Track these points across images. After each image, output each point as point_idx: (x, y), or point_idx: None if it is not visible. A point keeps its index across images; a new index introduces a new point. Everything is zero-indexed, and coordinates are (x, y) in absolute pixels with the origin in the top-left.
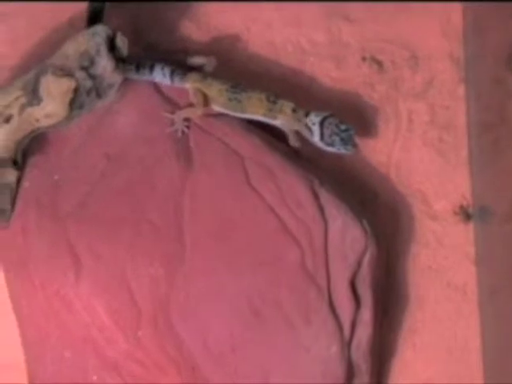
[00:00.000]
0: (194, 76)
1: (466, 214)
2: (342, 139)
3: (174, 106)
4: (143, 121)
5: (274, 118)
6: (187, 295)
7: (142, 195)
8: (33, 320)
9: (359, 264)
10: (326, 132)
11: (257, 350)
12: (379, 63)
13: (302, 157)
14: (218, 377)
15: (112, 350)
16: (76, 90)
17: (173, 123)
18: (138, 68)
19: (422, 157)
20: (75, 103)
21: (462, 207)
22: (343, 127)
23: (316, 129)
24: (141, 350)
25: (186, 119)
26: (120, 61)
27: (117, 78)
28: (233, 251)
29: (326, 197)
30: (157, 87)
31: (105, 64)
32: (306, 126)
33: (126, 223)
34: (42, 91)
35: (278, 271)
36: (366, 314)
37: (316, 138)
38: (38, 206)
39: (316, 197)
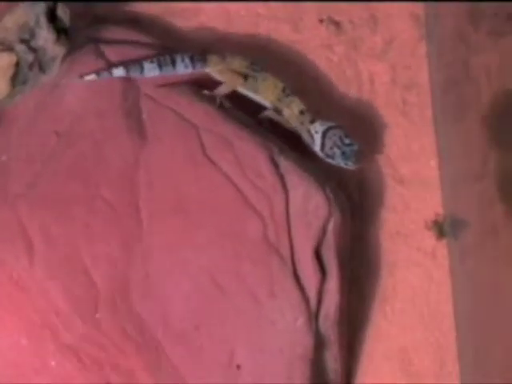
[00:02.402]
0: (213, 59)
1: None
2: (343, 153)
3: (125, 78)
4: (92, 95)
5: (280, 110)
6: (146, 273)
7: (95, 172)
8: None
9: (323, 232)
10: (328, 143)
11: (221, 326)
12: (337, 24)
13: (261, 124)
14: (181, 356)
15: (70, 334)
16: (17, 65)
17: (215, 100)
18: (160, 66)
19: (386, 118)
20: (17, 78)
21: (429, 168)
22: (347, 141)
23: (318, 138)
24: (100, 333)
25: (226, 96)
26: (62, 32)
27: (59, 51)
28: (191, 225)
29: (285, 165)
30: (106, 59)
31: (46, 36)
32: (309, 132)
33: (79, 202)
34: None
35: (239, 244)
36: (333, 284)
37: (316, 148)
38: None
39: (275, 165)
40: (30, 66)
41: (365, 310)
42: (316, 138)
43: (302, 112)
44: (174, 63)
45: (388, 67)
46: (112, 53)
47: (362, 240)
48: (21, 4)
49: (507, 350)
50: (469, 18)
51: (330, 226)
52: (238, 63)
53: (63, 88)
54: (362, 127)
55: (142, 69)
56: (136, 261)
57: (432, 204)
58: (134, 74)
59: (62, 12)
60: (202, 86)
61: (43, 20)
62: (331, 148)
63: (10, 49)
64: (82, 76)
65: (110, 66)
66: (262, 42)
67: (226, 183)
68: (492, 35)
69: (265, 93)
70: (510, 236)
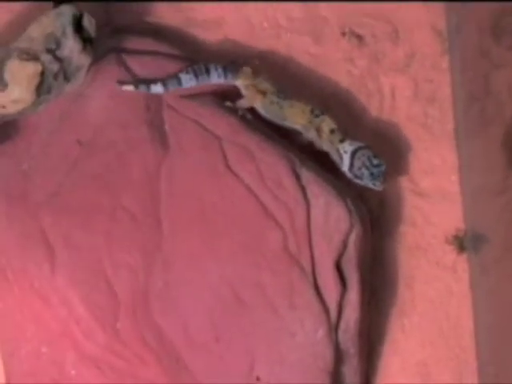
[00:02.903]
0: (246, 73)
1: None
2: (371, 174)
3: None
4: (115, 105)
5: (312, 134)
6: (166, 284)
7: (117, 182)
8: (8, 315)
9: (344, 244)
10: (357, 164)
11: (241, 337)
12: (359, 37)
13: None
14: (201, 367)
15: (90, 343)
16: (42, 74)
17: (237, 112)
18: (196, 76)
19: (407, 132)
20: (42, 88)
21: (449, 182)
22: (375, 162)
23: (347, 158)
24: (120, 343)
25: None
26: (88, 42)
27: (85, 60)
28: (212, 236)
29: (307, 176)
30: (128, 69)
31: (71, 46)
32: (338, 151)
33: (101, 211)
34: (8, 76)
35: (259, 255)
36: (353, 296)
37: (345, 168)
38: (7, 197)
39: (297, 177)
40: (55, 76)
41: (383, 323)
42: (345, 158)
43: (332, 131)
44: (208, 72)
45: (410, 81)
46: (134, 63)
47: (382, 253)
48: (47, 13)
49: None
50: (491, 32)
51: (352, 239)
52: (266, 86)
53: (87, 98)
54: (383, 141)
55: (179, 81)
56: (157, 271)
57: (453, 218)
58: (173, 87)
59: (88, 22)
60: (224, 98)
61: (69, 30)
62: (359, 168)
63: (35, 58)
64: (120, 83)
65: (149, 81)
66: (284, 54)
67: (247, 194)
68: None
69: (294, 119)
70: None
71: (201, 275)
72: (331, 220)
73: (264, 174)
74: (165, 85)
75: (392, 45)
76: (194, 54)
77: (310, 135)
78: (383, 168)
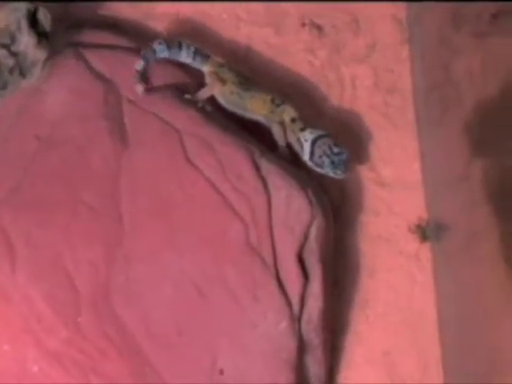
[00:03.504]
0: (214, 62)
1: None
2: (332, 162)
3: (106, 83)
4: (74, 99)
5: (272, 122)
6: (128, 278)
7: (77, 176)
8: None
9: (306, 236)
10: (317, 152)
11: (203, 330)
12: (319, 28)
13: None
14: (163, 361)
15: (52, 338)
16: None
17: (196, 104)
18: (169, 48)
19: (368, 122)
20: None
21: (411, 171)
22: (336, 150)
23: (307, 146)
24: (81, 337)
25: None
26: (43, 36)
27: (40, 55)
28: (173, 230)
29: (267, 167)
30: (86, 63)
31: (26, 40)
32: (299, 140)
33: (61, 207)
34: None
35: (221, 248)
36: (316, 287)
37: (306, 157)
38: None
39: (257, 168)
40: (11, 71)
41: (346, 314)
42: (305, 146)
43: (293, 120)
44: (180, 48)
45: (370, 71)
46: (93, 57)
47: (344, 244)
48: (1, 8)
49: (491, 352)
50: (451, 20)
51: (313, 230)
52: (228, 76)
53: (44, 92)
54: (344, 131)
55: (154, 51)
56: (118, 265)
57: (415, 207)
58: (151, 58)
59: (43, 16)
60: (183, 91)
61: (24, 24)
62: (320, 157)
63: None
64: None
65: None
66: (244, 45)
67: (208, 187)
68: (474, 37)
69: (255, 109)
70: (493, 238)
71: (162, 269)
72: (292, 211)
73: (224, 165)
74: (144, 58)
75: (352, 35)
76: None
77: (274, 129)
78: (344, 156)
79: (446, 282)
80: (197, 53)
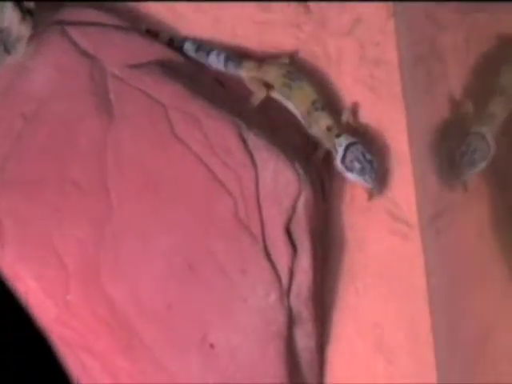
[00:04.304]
0: (248, 65)
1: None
2: (362, 168)
3: (91, 59)
4: (59, 76)
5: (309, 125)
6: (117, 254)
7: (64, 153)
8: None
9: (294, 208)
10: (349, 156)
11: (193, 305)
12: (305, 5)
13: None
14: (154, 336)
15: (41, 317)
16: None
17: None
18: (197, 50)
19: (355, 95)
20: None
21: (398, 143)
22: (368, 157)
23: (340, 151)
24: (71, 315)
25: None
26: (28, 13)
27: (25, 31)
28: (161, 205)
29: (254, 141)
30: (72, 41)
31: (11, 16)
32: (334, 146)
33: (48, 184)
34: None
35: (209, 222)
36: (304, 260)
37: (337, 160)
38: None
39: (244, 142)
40: None
41: (335, 287)
42: (339, 150)
43: (329, 128)
44: (208, 54)
45: (356, 44)
46: (78, 34)
47: (331, 216)
48: None
49: (481, 319)
50: None
51: (301, 202)
52: (274, 72)
53: (30, 70)
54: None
55: (182, 44)
56: (106, 242)
57: (403, 180)
58: (177, 44)
59: None
60: (169, 66)
61: (8, 1)
62: (351, 161)
63: None
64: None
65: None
66: (230, 22)
67: (195, 161)
68: (459, 12)
69: (296, 102)
70: (480, 208)
71: (151, 244)
72: (280, 184)
73: (211, 140)
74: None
75: (338, 10)
76: (137, 24)
77: (311, 131)
78: (375, 165)
79: (434, 252)
80: (228, 59)
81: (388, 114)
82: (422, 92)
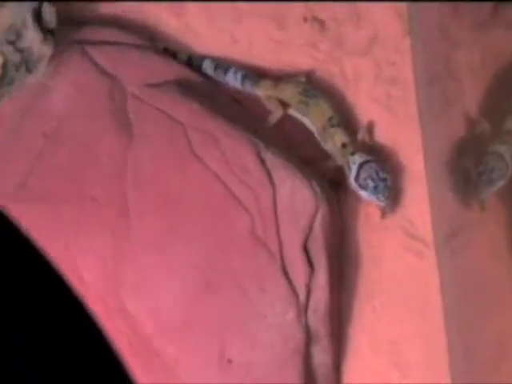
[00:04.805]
0: (265, 83)
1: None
2: (375, 186)
3: (111, 79)
4: (79, 96)
5: (325, 141)
6: (135, 270)
7: (83, 172)
8: None
9: (311, 226)
10: (362, 174)
11: (212, 320)
12: (321, 22)
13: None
14: (173, 352)
15: None
16: (4, 66)
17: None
18: (215, 68)
19: (371, 114)
20: (5, 79)
21: (414, 163)
22: (382, 175)
23: (354, 169)
24: None
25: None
26: (48, 32)
27: (46, 51)
28: (180, 223)
29: (272, 159)
30: (91, 60)
31: (32, 36)
32: (348, 164)
33: (68, 201)
34: None
35: (227, 240)
36: (321, 278)
37: (351, 178)
38: None
39: (262, 160)
40: (17, 67)
41: (352, 304)
42: (353, 168)
43: (344, 145)
44: (225, 72)
45: (372, 63)
46: (97, 53)
47: (347, 234)
48: (6, 5)
49: (497, 336)
50: (451, 12)
51: (318, 220)
52: (291, 90)
53: (50, 89)
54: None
55: (201, 62)
56: (125, 258)
57: (418, 198)
58: (196, 63)
59: (48, 12)
60: (187, 85)
61: (29, 20)
62: (365, 179)
63: None
64: None
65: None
66: (246, 40)
67: (213, 180)
68: (475, 29)
69: (313, 118)
70: (496, 228)
71: (169, 261)
72: (297, 202)
73: (229, 158)
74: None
75: (354, 28)
76: (155, 43)
77: (326, 146)
78: (389, 183)
79: (449, 270)
80: (246, 77)
81: (403, 132)
82: (438, 111)
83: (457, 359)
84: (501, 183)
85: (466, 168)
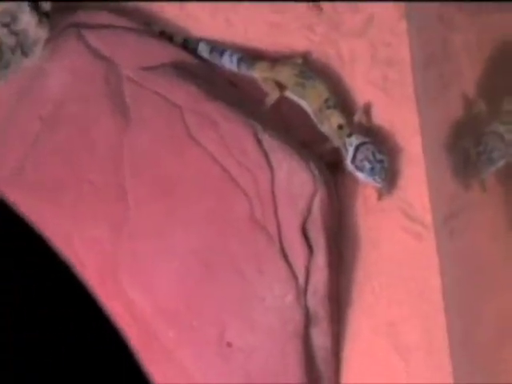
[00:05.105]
0: (261, 66)
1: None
2: (372, 168)
3: (107, 62)
4: (75, 79)
5: (321, 122)
6: (134, 255)
7: (81, 156)
8: None
9: (309, 208)
10: (359, 156)
11: (211, 304)
12: (318, 6)
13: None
14: (172, 334)
15: None
16: None
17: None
18: (211, 51)
19: (367, 96)
20: (0, 62)
21: (411, 144)
22: (378, 157)
23: (351, 150)
24: None
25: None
26: (44, 15)
27: (42, 34)
28: (178, 206)
29: (269, 142)
30: (87, 43)
31: (28, 19)
32: (345, 145)
33: (66, 185)
34: None
35: (226, 222)
36: (320, 259)
37: (348, 160)
38: None
39: (259, 143)
40: (13, 50)
41: (351, 286)
42: (349, 150)
43: (340, 126)
44: (221, 55)
45: (368, 45)
46: (93, 37)
47: (346, 216)
48: None
49: (497, 318)
50: None
51: (316, 202)
52: (287, 72)
53: (46, 73)
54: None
55: (196, 45)
56: (124, 242)
57: (416, 181)
58: (192, 46)
59: None
60: (183, 68)
61: (24, 3)
62: (361, 161)
63: None
64: None
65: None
66: (242, 24)
67: (211, 163)
68: (470, 12)
69: (309, 100)
70: (494, 207)
71: (168, 244)
72: (295, 184)
73: (227, 140)
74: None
75: (350, 11)
76: (151, 27)
77: (323, 128)
78: (385, 164)
79: (448, 251)
80: (241, 60)
81: (400, 114)
82: (435, 92)
83: (456, 341)
84: (501, 163)
85: (464, 148)
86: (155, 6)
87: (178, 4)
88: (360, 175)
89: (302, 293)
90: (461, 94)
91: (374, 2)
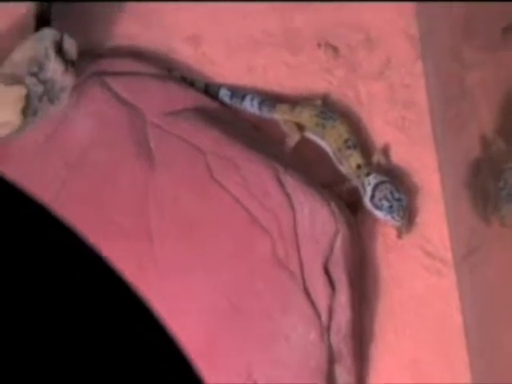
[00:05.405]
0: (282, 107)
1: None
2: (390, 206)
3: (131, 108)
4: (100, 126)
5: (340, 162)
6: (162, 294)
7: (106, 199)
8: None
9: (331, 247)
10: (378, 195)
11: (237, 343)
12: (334, 48)
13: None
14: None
15: None
16: (27, 97)
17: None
18: (231, 97)
19: (386, 137)
20: (28, 110)
21: (430, 183)
22: (396, 195)
23: (369, 189)
24: None
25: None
26: (70, 63)
27: (68, 81)
28: (203, 246)
29: (291, 183)
30: (111, 90)
31: (54, 68)
32: (363, 185)
33: (93, 227)
34: None
35: (250, 263)
36: (343, 298)
37: (366, 199)
38: None
39: (281, 184)
40: (40, 98)
41: (374, 323)
42: (368, 189)
43: (359, 166)
44: (242, 99)
45: (386, 87)
46: (117, 84)
47: (367, 255)
48: (29, 38)
49: None
50: (462, 34)
51: (338, 241)
52: (307, 113)
53: (71, 120)
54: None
55: (218, 90)
56: (151, 283)
57: (436, 219)
58: (212, 92)
59: (69, 44)
60: (205, 113)
61: (51, 52)
62: (380, 200)
63: (20, 82)
64: None
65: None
66: (262, 68)
67: (234, 204)
68: (485, 51)
69: (329, 140)
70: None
71: (194, 285)
72: (317, 224)
73: (249, 182)
74: (207, 88)
75: (367, 53)
76: (172, 73)
77: (342, 168)
78: (403, 203)
79: (469, 288)
80: (262, 103)
81: (419, 154)
82: (453, 132)
83: (479, 378)
84: None
85: (484, 185)
86: (175, 52)
87: (199, 50)
88: (378, 214)
89: (325, 331)
90: (479, 132)
91: (379, 3)
